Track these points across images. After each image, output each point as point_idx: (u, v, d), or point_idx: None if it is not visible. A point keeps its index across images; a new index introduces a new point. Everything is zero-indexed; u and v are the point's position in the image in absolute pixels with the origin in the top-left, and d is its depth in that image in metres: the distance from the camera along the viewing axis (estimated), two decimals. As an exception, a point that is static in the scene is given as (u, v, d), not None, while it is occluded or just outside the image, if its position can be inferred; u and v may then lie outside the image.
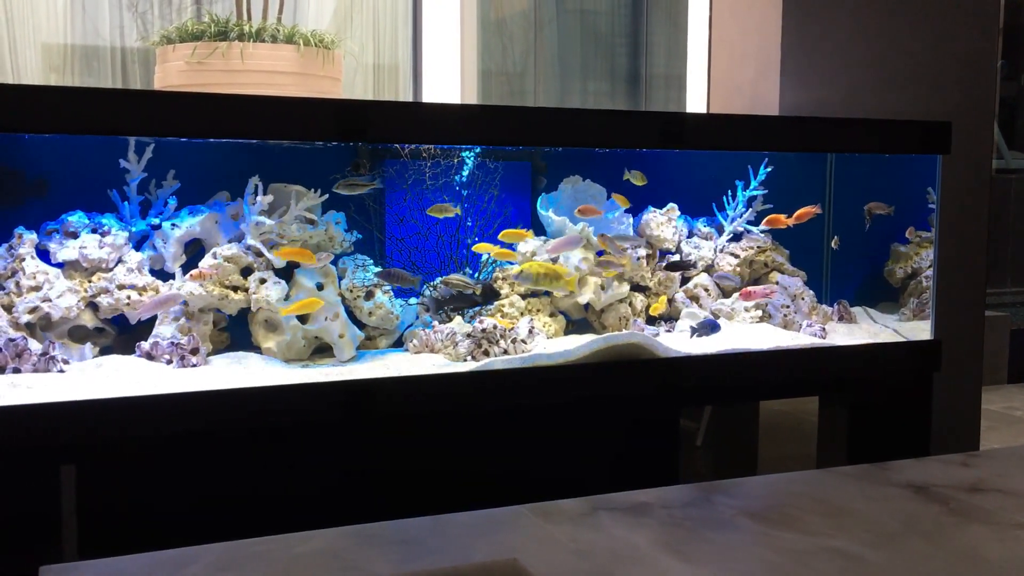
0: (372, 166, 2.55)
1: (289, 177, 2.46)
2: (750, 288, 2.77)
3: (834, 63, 3.16)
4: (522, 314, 2.64)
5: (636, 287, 2.85)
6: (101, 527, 2.13)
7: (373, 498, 2.31)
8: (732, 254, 2.95)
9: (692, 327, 2.70)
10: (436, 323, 2.57)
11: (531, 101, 4.39)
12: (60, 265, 2.33)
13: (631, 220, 2.83)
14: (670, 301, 2.89)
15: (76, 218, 2.35)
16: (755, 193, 2.94)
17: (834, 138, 2.82)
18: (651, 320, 2.80)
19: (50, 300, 2.27)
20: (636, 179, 2.71)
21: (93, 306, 2.35)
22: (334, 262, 2.52)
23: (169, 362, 2.29)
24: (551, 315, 2.73)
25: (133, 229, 2.41)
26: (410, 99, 3.93)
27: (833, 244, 2.95)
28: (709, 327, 2.66)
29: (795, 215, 2.86)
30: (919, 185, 2.98)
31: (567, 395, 2.48)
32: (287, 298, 2.41)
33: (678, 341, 2.69)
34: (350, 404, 2.24)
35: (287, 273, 2.46)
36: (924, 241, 3.12)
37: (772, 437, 3.35)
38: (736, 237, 2.98)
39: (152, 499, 2.17)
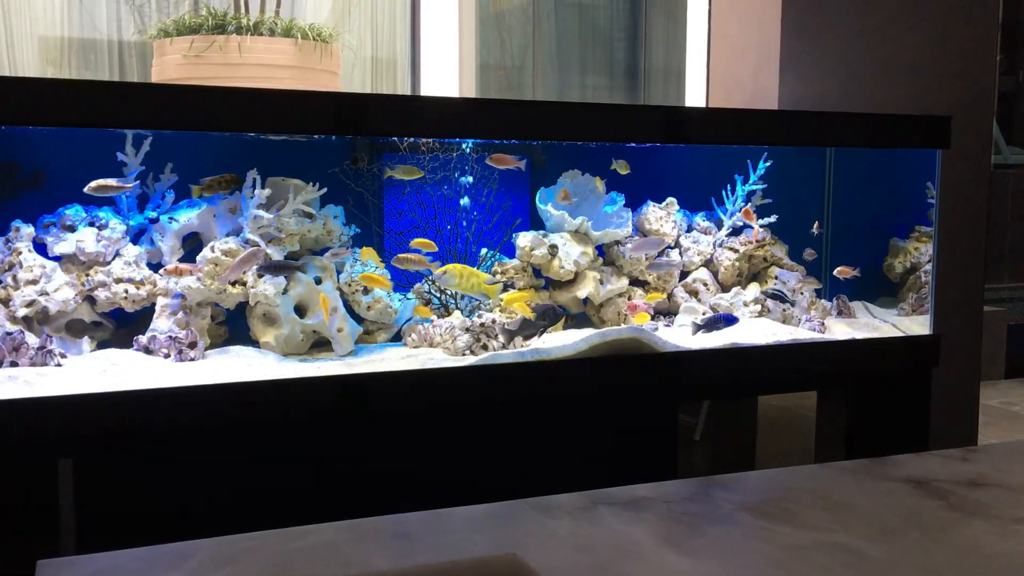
0: (370, 159, 2.55)
1: (287, 171, 2.46)
2: (635, 301, 2.74)
3: (834, 57, 3.16)
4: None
5: (635, 282, 2.84)
6: (99, 521, 2.13)
7: (371, 492, 2.30)
8: (731, 248, 2.94)
9: (705, 323, 2.67)
10: (435, 317, 2.57)
11: (529, 95, 4.38)
12: (57, 259, 2.33)
13: (630, 214, 2.83)
14: (669, 296, 2.89)
15: (73, 211, 2.35)
16: (754, 187, 2.93)
17: (834, 132, 2.81)
18: (652, 315, 2.80)
19: (47, 294, 2.27)
20: (620, 168, 2.70)
21: (91, 300, 2.34)
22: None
23: (167, 356, 2.28)
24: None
25: (131, 223, 2.41)
26: (408, 93, 3.92)
27: (815, 230, 2.95)
28: (725, 320, 2.65)
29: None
30: (918, 180, 2.97)
31: (566, 390, 2.48)
32: (285, 292, 2.40)
33: (677, 335, 2.69)
34: (348, 398, 2.23)
35: (285, 267, 2.45)
36: (923, 236, 3.12)
37: (770, 432, 3.35)
38: (735, 232, 2.98)
39: (150, 493, 2.16)
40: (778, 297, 2.81)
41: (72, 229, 2.33)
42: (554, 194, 2.75)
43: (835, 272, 2.95)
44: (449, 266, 2.49)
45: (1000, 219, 5.55)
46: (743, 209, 2.91)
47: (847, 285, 3.03)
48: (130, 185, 2.25)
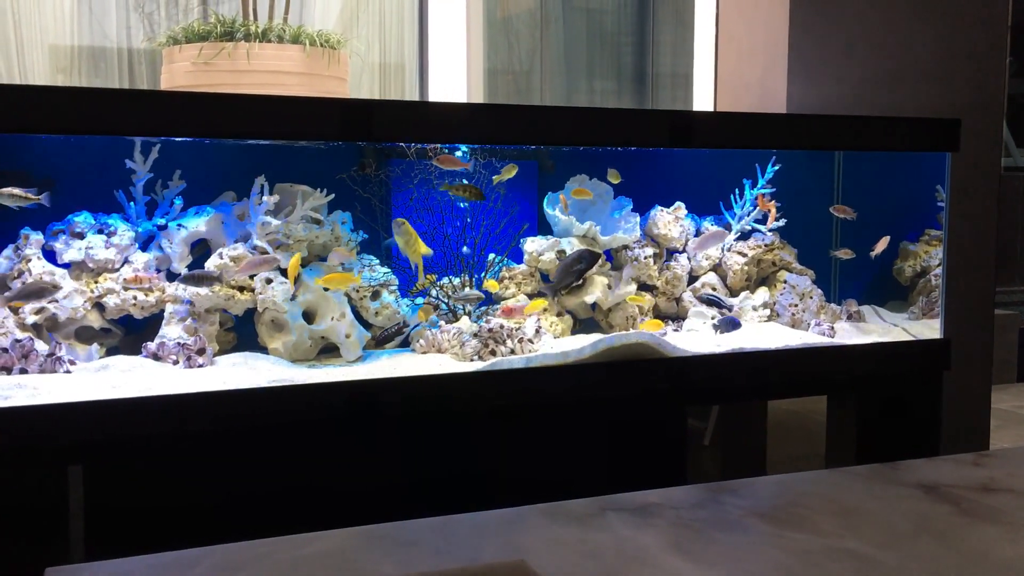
0: (378, 165, 2.55)
1: (295, 177, 2.46)
2: (511, 305, 2.71)
3: (842, 60, 3.15)
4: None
5: (644, 286, 2.84)
6: (108, 528, 2.13)
7: (379, 499, 2.30)
8: (740, 253, 2.93)
9: (721, 323, 2.68)
10: (443, 323, 2.56)
11: (537, 100, 4.38)
12: (66, 266, 2.33)
13: (637, 219, 2.82)
14: (677, 300, 2.88)
15: (82, 219, 2.35)
16: (763, 191, 2.92)
17: (842, 136, 2.80)
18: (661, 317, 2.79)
19: (56, 301, 2.27)
20: (612, 177, 2.70)
21: (99, 307, 2.35)
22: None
23: (176, 362, 2.28)
24: (558, 315, 2.72)
25: (139, 229, 2.41)
26: (416, 98, 3.92)
27: (850, 216, 2.94)
28: (729, 324, 2.65)
29: (771, 216, 2.89)
30: (927, 183, 2.96)
31: (574, 395, 2.47)
32: (293, 298, 2.40)
33: (686, 340, 2.68)
34: (356, 404, 2.23)
35: (293, 273, 2.45)
36: (933, 239, 3.11)
37: (780, 437, 3.33)
38: (744, 236, 2.97)
39: (159, 500, 2.16)
40: (712, 302, 2.79)
41: (81, 236, 2.34)
42: (559, 198, 2.75)
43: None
44: (407, 225, 2.44)
45: (1010, 222, 5.53)
46: (758, 196, 2.89)
47: (856, 289, 3.02)
48: (38, 197, 2.19)
